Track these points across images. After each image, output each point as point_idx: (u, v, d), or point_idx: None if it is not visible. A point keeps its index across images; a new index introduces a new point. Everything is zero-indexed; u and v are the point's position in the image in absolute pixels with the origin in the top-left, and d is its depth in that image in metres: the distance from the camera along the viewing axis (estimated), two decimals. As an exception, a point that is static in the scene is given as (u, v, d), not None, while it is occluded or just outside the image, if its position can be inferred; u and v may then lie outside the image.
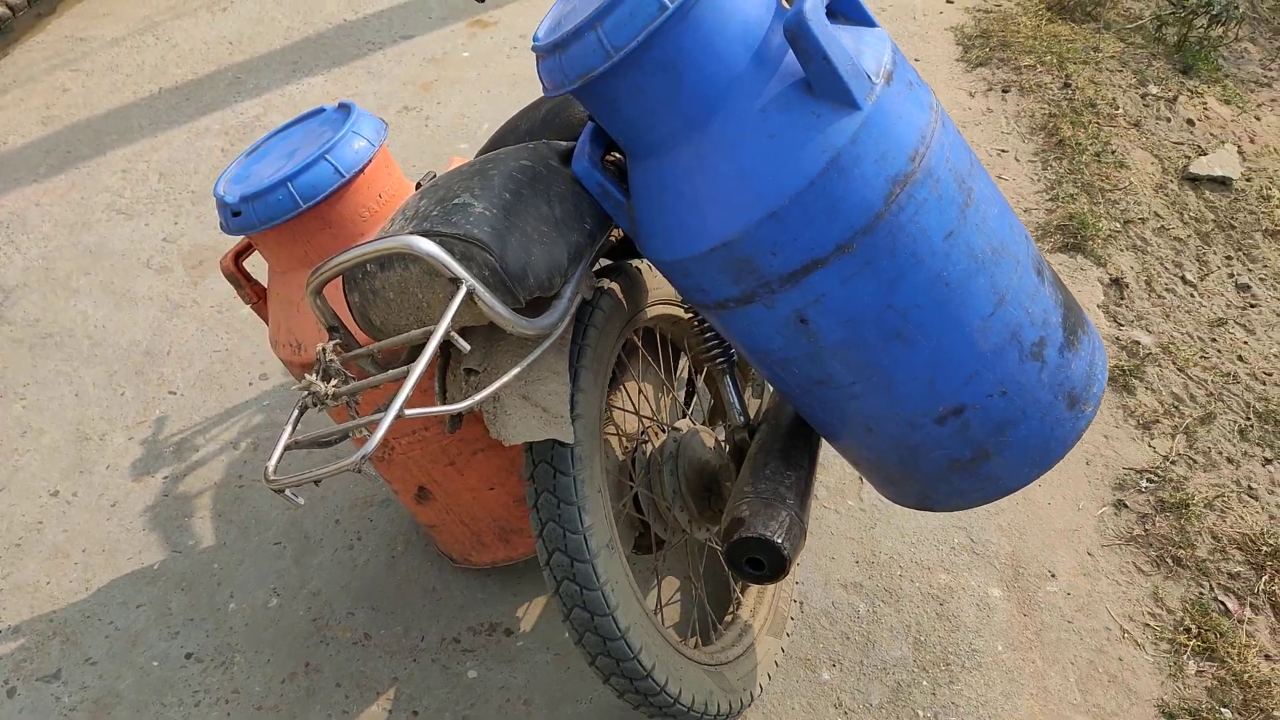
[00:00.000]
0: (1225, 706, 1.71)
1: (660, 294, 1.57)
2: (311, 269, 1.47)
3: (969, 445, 1.26)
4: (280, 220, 1.41)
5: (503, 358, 1.25)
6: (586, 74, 1.06)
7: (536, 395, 1.24)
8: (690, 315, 1.53)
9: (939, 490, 1.33)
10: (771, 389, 1.65)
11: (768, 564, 1.28)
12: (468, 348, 1.07)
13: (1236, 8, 3.50)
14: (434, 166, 2.92)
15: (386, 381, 1.08)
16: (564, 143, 1.34)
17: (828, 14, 1.07)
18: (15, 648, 1.81)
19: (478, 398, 1.12)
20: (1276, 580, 1.91)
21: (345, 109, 1.53)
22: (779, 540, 1.26)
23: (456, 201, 1.16)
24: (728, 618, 1.71)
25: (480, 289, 1.09)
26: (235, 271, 1.61)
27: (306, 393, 1.09)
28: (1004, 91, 3.21)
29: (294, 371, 1.57)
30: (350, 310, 1.23)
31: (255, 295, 1.64)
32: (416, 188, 1.51)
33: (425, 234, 1.13)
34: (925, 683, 1.73)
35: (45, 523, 2.03)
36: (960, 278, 1.15)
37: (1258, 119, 3.30)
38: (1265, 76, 3.60)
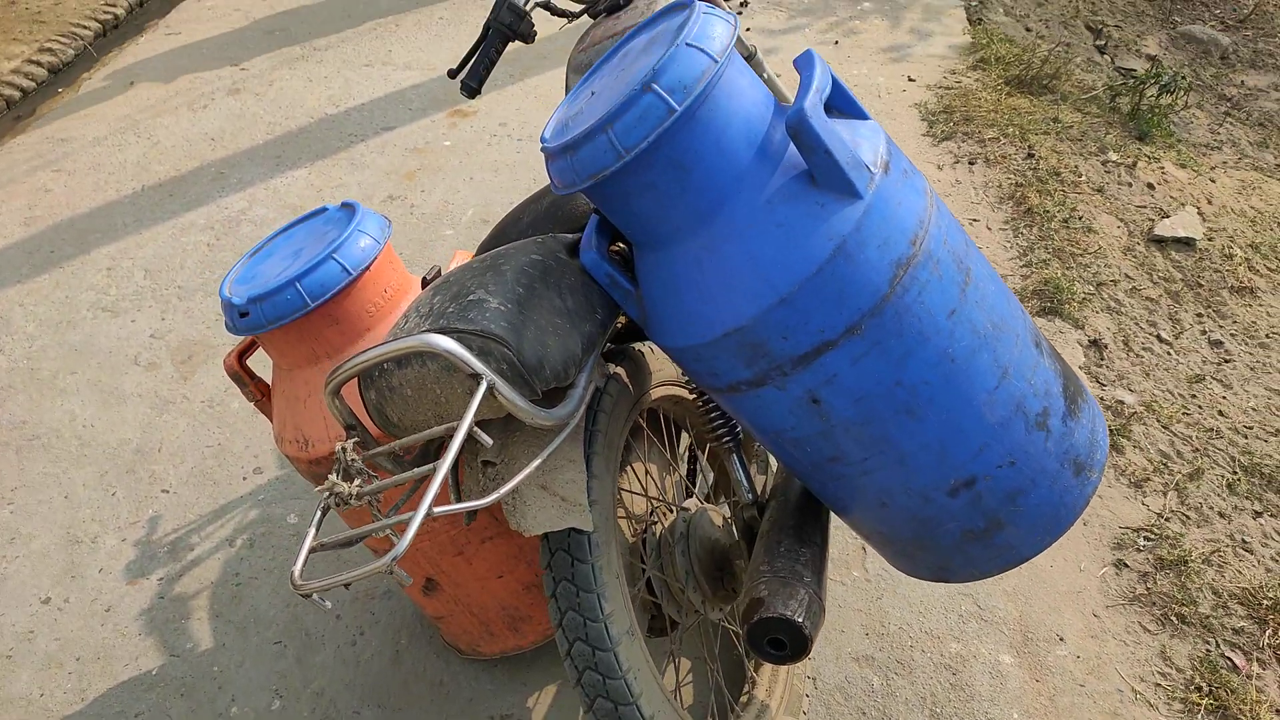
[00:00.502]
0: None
1: (663, 375, 1.59)
2: (324, 367, 1.49)
3: (982, 516, 1.28)
4: (289, 319, 1.42)
5: (519, 449, 1.26)
6: (598, 173, 1.10)
7: (554, 484, 1.25)
8: (695, 395, 1.55)
9: (955, 561, 1.34)
10: (776, 464, 1.66)
11: (789, 643, 1.28)
12: (490, 442, 1.08)
13: (1184, 78, 3.68)
14: (420, 253, 2.96)
15: (411, 479, 1.09)
16: (569, 235, 1.37)
17: (825, 109, 1.12)
18: (8, 766, 1.75)
19: (501, 491, 1.13)
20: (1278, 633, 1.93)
21: (349, 208, 1.56)
22: (800, 619, 1.27)
23: (471, 298, 1.19)
24: (743, 698, 1.70)
25: (500, 383, 1.11)
26: (239, 370, 1.62)
27: (329, 494, 1.09)
28: (970, 163, 3.33)
29: (300, 468, 1.56)
30: (366, 408, 1.24)
31: (259, 393, 1.64)
32: (423, 284, 1.53)
33: (442, 331, 1.15)
34: (944, 756, 1.72)
35: (36, 631, 1.98)
36: (965, 354, 1.19)
37: (1212, 181, 3.43)
38: (1215, 141, 3.76)
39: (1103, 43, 4.62)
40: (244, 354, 1.64)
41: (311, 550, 1.07)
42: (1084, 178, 3.30)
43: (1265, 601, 1.98)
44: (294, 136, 3.55)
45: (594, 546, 1.29)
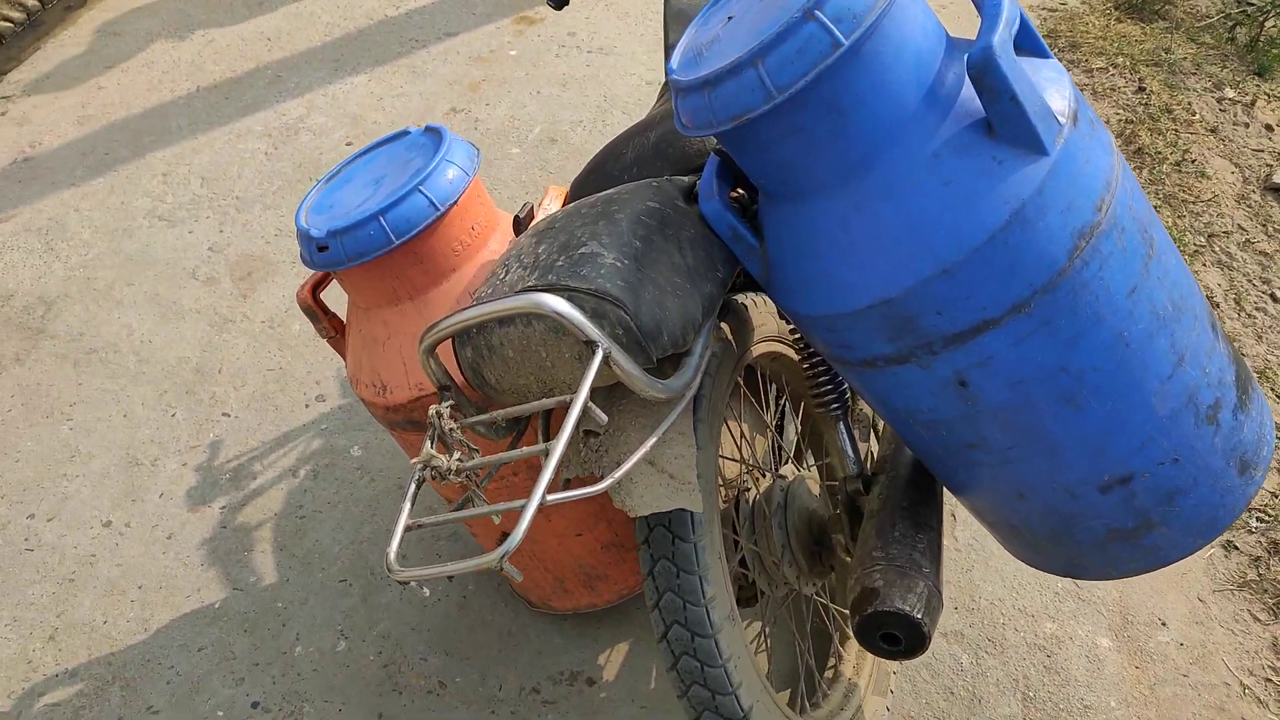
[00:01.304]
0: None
1: (766, 330, 1.46)
2: (404, 308, 1.37)
3: (1133, 515, 1.15)
4: (371, 257, 1.30)
5: (626, 419, 1.14)
6: (743, 115, 0.95)
7: (662, 460, 1.14)
8: (802, 356, 1.42)
9: (1092, 560, 1.22)
10: (883, 429, 1.53)
11: (905, 640, 1.17)
12: (604, 419, 0.97)
13: (1317, 9, 3.36)
14: (486, 172, 2.81)
15: (519, 459, 0.98)
16: (685, 178, 1.22)
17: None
18: (74, 693, 1.72)
19: (617, 475, 1.01)
20: (1401, 630, 1.80)
21: (435, 133, 1.42)
22: (919, 616, 1.16)
23: (583, 250, 1.05)
24: (828, 673, 1.61)
25: (616, 351, 0.98)
26: (313, 305, 1.51)
27: (425, 467, 0.99)
28: (1076, 95, 3.08)
29: (376, 413, 1.46)
30: (460, 366, 1.12)
31: (333, 329, 1.54)
32: (515, 224, 1.40)
33: (552, 288, 1.02)
34: (1037, 742, 1.63)
35: (99, 556, 1.94)
36: (1141, 337, 1.04)
37: (1336, 123, 3.16)
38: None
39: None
40: (318, 287, 1.53)
41: (407, 529, 0.97)
42: (1198, 116, 3.04)
43: (1387, 595, 1.84)
44: (353, 39, 3.37)
45: (697, 524, 1.18)
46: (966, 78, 0.98)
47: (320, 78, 3.20)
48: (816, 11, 0.90)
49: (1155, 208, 2.71)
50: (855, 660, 1.62)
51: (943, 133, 0.97)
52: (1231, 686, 1.71)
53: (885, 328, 1.04)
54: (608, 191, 1.18)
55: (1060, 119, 0.97)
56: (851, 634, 1.24)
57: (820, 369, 1.40)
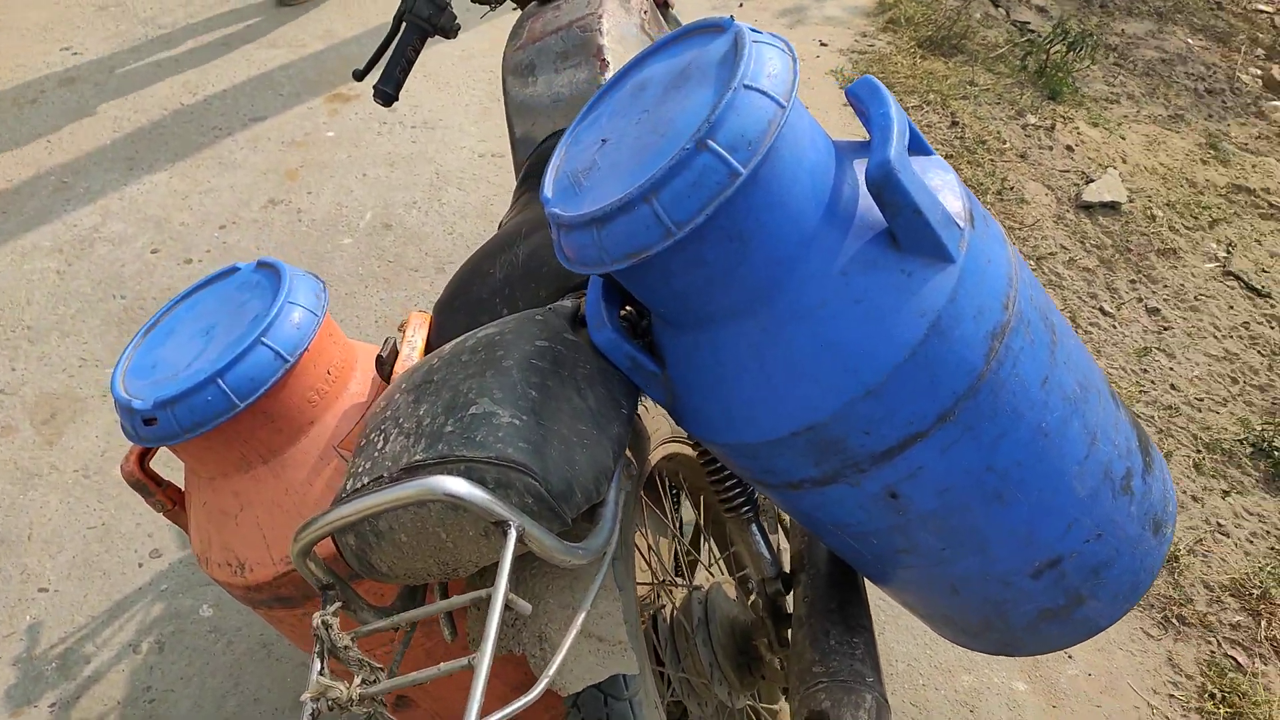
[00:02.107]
0: (1269, 778, 1.66)
1: (660, 434, 1.38)
2: (258, 473, 1.20)
3: (1063, 594, 1.13)
4: (211, 426, 1.12)
5: (536, 584, 1.02)
6: (638, 253, 0.86)
7: (588, 623, 1.02)
8: (704, 461, 1.34)
9: (1025, 639, 1.19)
10: (790, 524, 1.47)
11: (861, 762, 1.10)
12: (529, 609, 0.85)
13: (1090, 35, 3.64)
14: (316, 266, 2.61)
15: (440, 675, 0.84)
16: (567, 304, 1.12)
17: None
18: None
19: (555, 663, 0.89)
20: (1274, 625, 1.90)
21: (271, 269, 1.26)
22: (869, 733, 1.09)
23: (474, 410, 0.93)
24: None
25: (529, 525, 0.87)
26: (142, 478, 1.30)
27: (321, 700, 0.83)
28: (896, 133, 3.19)
29: (234, 594, 1.27)
30: (341, 554, 0.97)
31: (170, 500, 1.33)
32: (379, 364, 1.25)
33: (444, 461, 0.89)
34: (977, 809, 1.60)
35: (-101, 790, 1.62)
36: (1058, 425, 1.02)
37: (1123, 138, 3.43)
38: (1112, 94, 3.75)
39: (995, -5, 4.57)
40: (145, 456, 1.32)
41: None
42: (1008, 144, 3.22)
43: (1254, 592, 1.95)
44: (147, 133, 3.09)
45: (630, 680, 1.07)
46: (862, 187, 0.93)
47: (113, 179, 2.90)
48: (709, 141, 0.82)
49: (986, 237, 2.83)
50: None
51: (847, 249, 0.91)
52: (1141, 709, 1.75)
53: (810, 452, 0.97)
54: (486, 331, 1.06)
55: (960, 222, 0.94)
56: None
57: (725, 474, 1.33)
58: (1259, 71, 4.26)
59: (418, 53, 1.72)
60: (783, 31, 3.64)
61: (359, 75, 1.83)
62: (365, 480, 0.94)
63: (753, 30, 0.91)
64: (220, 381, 1.11)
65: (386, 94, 1.72)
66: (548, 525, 0.90)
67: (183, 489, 1.35)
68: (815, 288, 0.91)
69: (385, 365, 1.23)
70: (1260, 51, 4.24)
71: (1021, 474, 1.01)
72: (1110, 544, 1.11)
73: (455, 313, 1.28)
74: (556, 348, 1.01)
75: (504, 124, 3.12)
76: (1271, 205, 3.32)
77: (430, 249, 2.67)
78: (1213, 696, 1.77)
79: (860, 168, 0.96)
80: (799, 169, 0.89)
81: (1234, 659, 1.84)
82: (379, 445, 0.97)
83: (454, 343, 1.08)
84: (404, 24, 1.72)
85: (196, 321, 1.25)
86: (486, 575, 1.04)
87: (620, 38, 1.64)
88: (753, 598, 1.43)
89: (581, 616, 0.94)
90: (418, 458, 0.91)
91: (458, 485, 0.84)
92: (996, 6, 4.39)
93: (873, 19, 3.79)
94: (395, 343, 1.26)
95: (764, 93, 0.84)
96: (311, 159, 2.99)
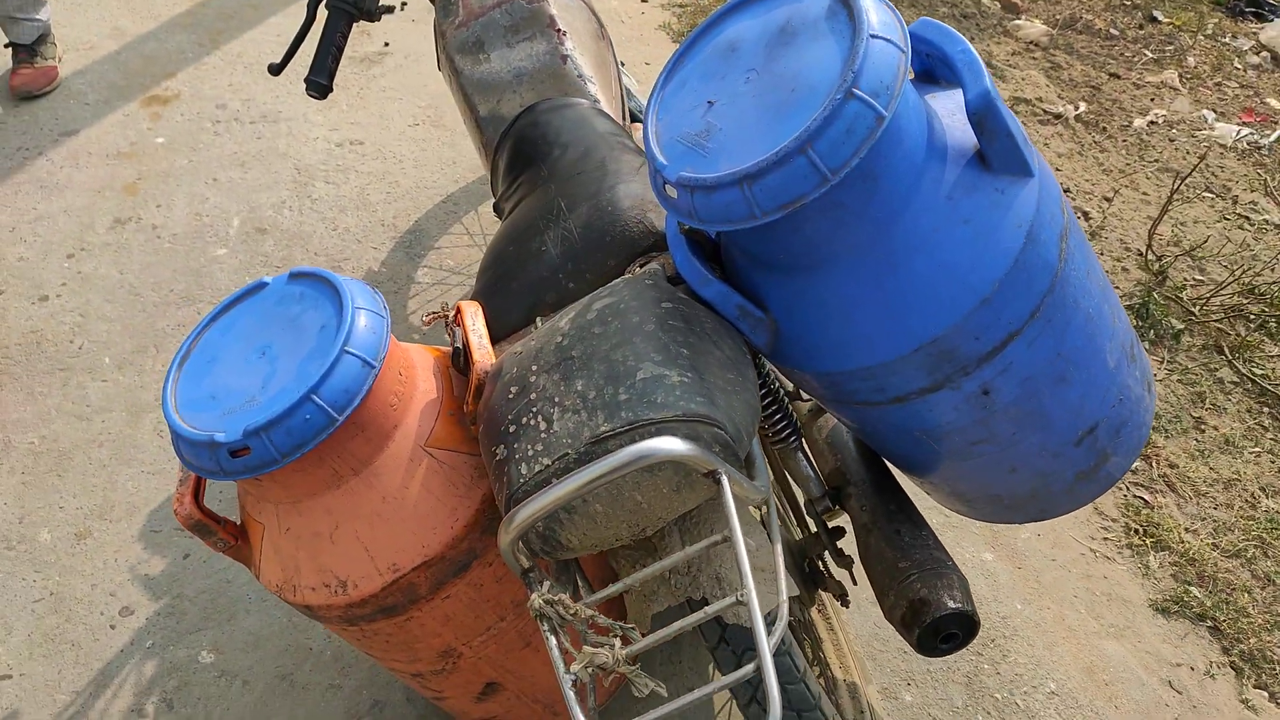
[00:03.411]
0: (1190, 584, 1.99)
1: None
2: (351, 486, 1.17)
3: (1095, 455, 1.32)
4: (314, 444, 1.08)
5: (699, 529, 1.08)
6: (794, 202, 0.92)
7: (755, 558, 1.09)
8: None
9: (1062, 501, 1.38)
10: (822, 443, 1.58)
11: (963, 633, 1.25)
12: (754, 545, 0.90)
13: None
14: (197, 285, 2.41)
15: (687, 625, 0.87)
16: (656, 267, 1.15)
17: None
18: None
19: (783, 605, 0.94)
20: (1158, 463, 2.25)
21: (314, 277, 1.20)
22: (969, 608, 1.24)
23: (642, 375, 0.96)
24: (823, 683, 1.66)
25: (731, 470, 0.92)
26: (203, 518, 1.21)
27: (588, 667, 0.86)
28: (737, 79, 3.35)
29: (329, 614, 1.23)
30: (526, 541, 0.98)
31: (232, 537, 1.25)
32: (455, 356, 1.22)
33: (634, 426, 0.92)
34: (986, 665, 1.82)
35: None
36: (1097, 309, 1.19)
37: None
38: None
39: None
40: (199, 491, 1.23)
41: None
42: (834, 79, 3.46)
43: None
44: (-64, 163, 2.70)
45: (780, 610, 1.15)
46: (943, 120, 1.03)
47: (-86, 219, 2.53)
48: (856, 90, 0.90)
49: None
50: (838, 660, 1.68)
51: (949, 177, 1.02)
52: (1086, 554, 2.04)
53: (926, 364, 1.08)
54: (602, 302, 1.08)
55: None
56: (913, 645, 1.29)
57: (768, 403, 1.41)
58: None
59: (346, 38, 1.65)
60: (605, -10, 3.69)
61: (276, 70, 1.73)
62: (547, 461, 0.95)
63: (840, -21, 0.98)
64: (316, 398, 1.07)
65: (321, 85, 1.64)
66: (735, 468, 0.96)
67: (239, 523, 1.27)
68: (928, 215, 1.01)
69: (460, 359, 1.22)
70: None
71: (1079, 355, 1.17)
72: (1127, 406, 1.31)
73: (512, 295, 1.28)
74: (680, 307, 1.06)
75: (356, 110, 2.99)
76: (1047, 112, 3.77)
77: (318, 248, 2.54)
78: (1136, 531, 2.08)
79: (936, 102, 1.06)
80: (911, 109, 0.98)
81: (1142, 498, 2.16)
82: (541, 428, 0.98)
83: (567, 317, 1.09)
84: (329, 10, 1.63)
85: (242, 343, 1.18)
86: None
87: (565, 5, 1.65)
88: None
89: (751, 546, 1.01)
90: (603, 429, 0.93)
91: (674, 444, 0.88)
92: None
93: (684, -28, 3.91)
94: (458, 336, 1.24)
95: (888, 40, 0.92)
96: (148, 170, 2.73)
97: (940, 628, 1.22)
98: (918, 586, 1.26)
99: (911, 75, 1.14)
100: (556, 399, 0.99)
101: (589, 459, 0.92)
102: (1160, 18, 4.77)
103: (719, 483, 0.90)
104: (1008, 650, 1.84)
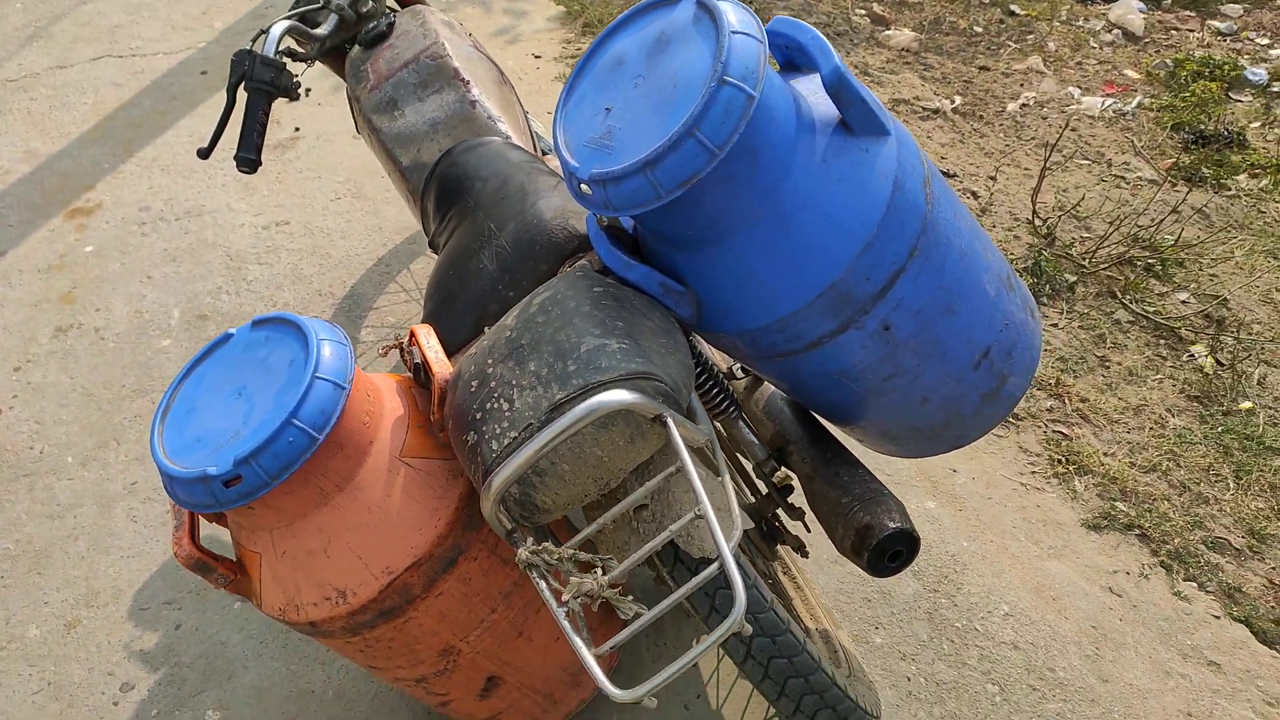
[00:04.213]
0: (1115, 500, 2.18)
1: None
2: (337, 502, 1.27)
3: (994, 377, 1.49)
4: (299, 465, 1.19)
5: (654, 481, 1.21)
6: (690, 178, 1.08)
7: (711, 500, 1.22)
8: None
9: (972, 426, 1.54)
10: (758, 413, 1.73)
11: (907, 548, 1.39)
12: (715, 473, 1.04)
13: (769, 9, 4.23)
14: (146, 378, 2.49)
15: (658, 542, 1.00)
16: (583, 263, 1.30)
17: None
18: None
19: (737, 535, 1.08)
20: (1070, 400, 2.45)
21: (277, 321, 1.31)
22: (907, 525, 1.38)
23: (585, 348, 1.10)
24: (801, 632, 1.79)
25: (674, 414, 1.06)
26: (203, 556, 1.30)
27: (577, 597, 0.98)
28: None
29: (331, 628, 1.32)
30: (504, 506, 1.10)
31: (232, 572, 1.34)
32: (416, 371, 1.34)
33: (586, 389, 1.06)
34: (944, 600, 1.97)
35: None
36: (969, 245, 1.36)
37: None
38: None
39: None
40: (195, 532, 1.32)
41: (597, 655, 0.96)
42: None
43: (1051, 382, 2.49)
44: None
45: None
46: (805, 95, 1.21)
47: None
48: (727, 78, 1.06)
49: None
50: (810, 611, 1.82)
51: (819, 144, 1.19)
52: (1018, 489, 2.21)
53: (829, 308, 1.24)
54: (540, 296, 1.22)
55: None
56: (865, 569, 1.43)
57: (705, 381, 1.56)
58: (864, 11, 5.11)
59: (268, 115, 1.78)
60: (500, 48, 3.89)
61: (204, 154, 1.85)
62: (514, 434, 1.08)
63: (699, -3, 1.16)
64: (296, 421, 1.18)
65: (251, 160, 1.76)
66: (679, 414, 1.10)
67: (235, 559, 1.36)
68: (807, 179, 1.18)
69: (421, 373, 1.34)
70: None
71: (960, 287, 1.35)
72: (1014, 329, 1.48)
73: (458, 313, 1.41)
74: (611, 289, 1.20)
75: (277, 194, 3.11)
76: (925, 109, 4.05)
77: (261, 325, 2.63)
78: (1059, 461, 2.26)
79: (800, 85, 1.24)
80: (776, 91, 1.15)
81: (1060, 432, 2.36)
82: (504, 409, 1.11)
83: (512, 315, 1.22)
84: (250, 92, 1.77)
85: (217, 390, 1.29)
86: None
87: (465, 58, 1.81)
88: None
89: (718, 484, 1.15)
90: (559, 396, 1.07)
91: (621, 395, 1.02)
92: None
93: (570, 26, 4.14)
94: (415, 355, 1.36)
95: (747, 34, 1.09)
96: (82, 278, 2.81)
97: (885, 547, 1.37)
98: (860, 515, 1.41)
99: (776, 66, 1.32)
100: (514, 381, 1.13)
101: (549, 423, 1.05)
102: (1017, 10, 5.14)
103: (665, 424, 1.04)
104: (960, 584, 1.99)
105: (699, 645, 0.93)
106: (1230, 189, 3.43)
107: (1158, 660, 1.87)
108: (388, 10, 2.02)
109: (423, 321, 1.48)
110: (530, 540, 1.05)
